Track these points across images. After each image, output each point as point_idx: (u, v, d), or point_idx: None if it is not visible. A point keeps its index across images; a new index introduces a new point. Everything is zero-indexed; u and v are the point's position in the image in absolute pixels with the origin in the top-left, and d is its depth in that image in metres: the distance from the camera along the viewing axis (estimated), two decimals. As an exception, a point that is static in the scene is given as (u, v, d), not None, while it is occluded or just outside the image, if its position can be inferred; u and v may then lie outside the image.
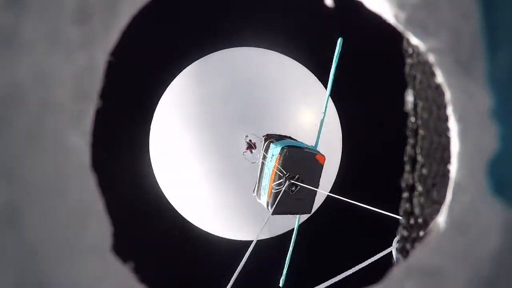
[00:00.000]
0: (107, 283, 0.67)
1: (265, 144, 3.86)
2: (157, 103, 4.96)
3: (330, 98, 4.74)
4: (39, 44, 0.58)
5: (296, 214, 4.00)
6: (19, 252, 0.57)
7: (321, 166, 3.71)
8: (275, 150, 3.68)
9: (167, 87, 4.95)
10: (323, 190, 3.90)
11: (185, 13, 5.09)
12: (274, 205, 3.65)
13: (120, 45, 0.74)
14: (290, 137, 3.96)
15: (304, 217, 4.58)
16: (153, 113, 4.96)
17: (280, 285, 4.31)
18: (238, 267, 2.35)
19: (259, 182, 3.89)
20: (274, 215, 3.72)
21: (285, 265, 3.95)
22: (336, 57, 3.97)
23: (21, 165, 0.57)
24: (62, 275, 0.60)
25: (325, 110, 4.16)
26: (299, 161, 3.61)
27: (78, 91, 0.64)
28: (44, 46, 0.58)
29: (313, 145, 3.99)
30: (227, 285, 2.32)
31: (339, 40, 3.93)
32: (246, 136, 4.23)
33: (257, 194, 3.96)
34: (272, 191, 3.62)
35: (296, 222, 4.25)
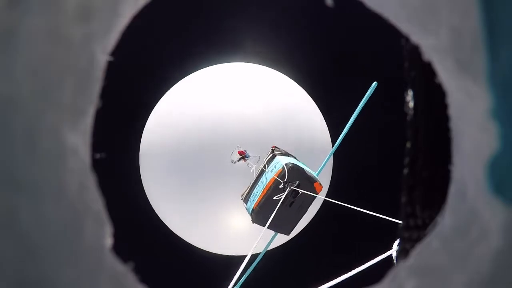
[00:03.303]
0: (107, 283, 0.67)
1: (270, 155, 3.87)
2: (157, 103, 4.96)
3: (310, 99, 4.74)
4: (39, 44, 0.58)
5: (275, 230, 3.94)
6: (18, 253, 0.57)
7: (316, 195, 3.71)
8: (278, 163, 3.69)
9: (166, 87, 4.95)
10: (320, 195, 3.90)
11: (185, 14, 5.09)
12: (255, 213, 3.66)
13: (120, 45, 0.74)
14: (295, 157, 3.95)
15: (282, 239, 4.52)
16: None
17: None
18: (233, 281, 2.34)
19: (251, 188, 3.88)
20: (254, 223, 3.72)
21: (240, 281, 3.68)
22: (364, 101, 3.80)
23: (20, 166, 0.57)
24: (61, 275, 0.60)
25: (340, 142, 4.07)
26: (298, 181, 3.63)
27: (78, 91, 0.64)
28: (44, 46, 0.58)
29: (316, 172, 3.97)
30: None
31: (373, 85, 3.78)
32: (237, 147, 4.23)
33: (244, 199, 3.94)
34: (274, 198, 3.61)
35: (269, 241, 4.10)
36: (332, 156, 4.85)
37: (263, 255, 3.96)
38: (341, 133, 4.12)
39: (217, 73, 4.96)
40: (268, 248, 4.25)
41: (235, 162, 4.15)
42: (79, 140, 0.65)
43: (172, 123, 4.74)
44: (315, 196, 3.72)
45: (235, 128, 4.55)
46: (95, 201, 0.68)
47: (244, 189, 3.98)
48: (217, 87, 4.81)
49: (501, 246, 0.62)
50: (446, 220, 0.72)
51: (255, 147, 4.23)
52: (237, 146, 4.16)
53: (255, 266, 3.75)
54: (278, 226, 3.84)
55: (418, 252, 0.75)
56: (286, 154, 3.94)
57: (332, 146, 4.63)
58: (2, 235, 0.56)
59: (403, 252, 0.90)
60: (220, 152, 4.40)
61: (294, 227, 3.92)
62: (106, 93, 0.74)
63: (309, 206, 3.78)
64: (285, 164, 3.63)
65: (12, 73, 0.56)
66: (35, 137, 0.58)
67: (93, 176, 0.68)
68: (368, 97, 3.75)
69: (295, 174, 3.64)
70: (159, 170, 4.81)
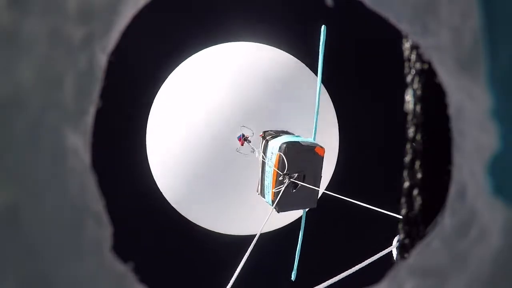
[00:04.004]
0: (107, 283, 0.67)
1: (263, 143, 3.87)
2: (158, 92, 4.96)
3: (323, 88, 4.75)
4: (40, 44, 0.58)
5: (301, 208, 4.00)
6: (19, 252, 0.57)
7: (321, 158, 3.72)
8: (274, 148, 3.69)
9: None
10: (322, 187, 3.91)
11: (185, 14, 5.09)
12: (276, 203, 3.68)
13: (120, 45, 0.74)
14: (287, 132, 3.96)
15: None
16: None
17: (292, 279, 4.29)
18: (241, 263, 2.35)
19: (261, 181, 3.90)
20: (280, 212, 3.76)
21: (296, 259, 3.93)
22: (322, 46, 3.99)
23: (21, 165, 0.57)
24: (62, 275, 0.60)
25: (318, 99, 4.13)
26: (299, 156, 3.62)
27: (78, 91, 0.64)
28: (45, 46, 0.58)
29: (311, 138, 3.99)
30: (231, 280, 2.33)
31: (323, 28, 3.94)
32: (243, 135, 4.23)
33: (261, 193, 3.97)
34: (274, 190, 3.63)
35: (303, 215, 4.25)
36: (337, 154, 4.86)
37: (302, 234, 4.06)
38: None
39: (206, 58, 4.96)
40: (268, 230, 4.33)
41: (253, 150, 4.13)
42: (79, 140, 0.65)
43: (176, 111, 4.75)
44: (322, 158, 3.72)
45: (236, 109, 4.54)
46: (95, 201, 0.68)
47: (256, 183, 4.01)
48: (208, 71, 4.82)
49: (501, 246, 0.62)
50: (446, 220, 0.72)
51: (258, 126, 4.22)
52: (237, 149, 4.18)
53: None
54: (303, 204, 3.88)
55: (418, 252, 0.75)
56: (277, 134, 3.93)
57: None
58: (3, 235, 0.56)
59: (403, 252, 0.90)
60: (224, 137, 4.40)
61: (317, 197, 3.92)
62: (106, 93, 0.74)
63: (321, 171, 3.77)
64: (279, 148, 3.62)
65: (13, 73, 0.56)
66: (36, 137, 0.58)
67: (93, 176, 0.68)
68: (324, 41, 3.90)
69: (293, 151, 3.63)
70: (167, 160, 4.82)
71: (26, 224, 0.57)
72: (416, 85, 0.89)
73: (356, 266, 2.41)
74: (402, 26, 0.75)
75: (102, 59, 0.69)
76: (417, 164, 0.89)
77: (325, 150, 3.81)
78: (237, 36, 5.05)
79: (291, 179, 3.61)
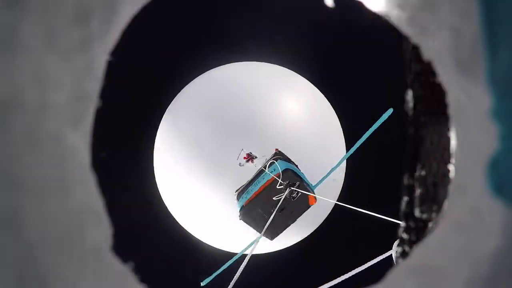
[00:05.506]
0: (107, 283, 0.67)
1: (272, 158, 3.95)
2: (158, 103, 4.96)
3: (321, 96, 4.72)
4: (39, 44, 0.58)
5: (259, 232, 4.01)
6: (19, 253, 0.57)
7: (308, 207, 3.80)
8: (278, 167, 3.78)
9: (166, 87, 4.95)
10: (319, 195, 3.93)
11: (186, 14, 5.09)
12: (244, 208, 3.75)
13: (120, 45, 0.74)
14: (296, 165, 4.04)
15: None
16: (153, 114, 4.96)
17: (202, 284, 4.21)
18: (232, 281, 2.34)
19: (246, 186, 3.97)
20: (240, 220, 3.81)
21: (221, 269, 3.76)
22: (378, 124, 3.85)
23: (21, 166, 0.57)
24: (62, 275, 0.60)
25: (341, 161, 4.14)
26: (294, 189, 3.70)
27: (78, 91, 0.64)
28: (44, 46, 0.58)
29: (313, 185, 4.03)
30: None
31: (388, 111, 3.73)
32: (242, 150, 4.28)
33: (238, 195, 4.02)
34: (274, 198, 3.68)
35: (258, 240, 4.18)
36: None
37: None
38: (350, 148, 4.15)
39: (223, 74, 4.96)
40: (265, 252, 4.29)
41: (242, 165, 4.20)
42: (79, 140, 0.65)
43: (185, 121, 4.76)
44: (308, 207, 3.81)
45: (244, 129, 4.55)
46: (95, 201, 0.68)
47: (240, 185, 4.05)
48: (224, 87, 4.82)
49: (501, 246, 0.62)
50: (446, 219, 0.72)
51: (264, 148, 4.26)
52: (242, 149, 4.22)
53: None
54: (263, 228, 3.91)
55: (418, 252, 0.75)
56: (287, 160, 4.01)
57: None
58: (3, 235, 0.56)
59: (403, 255, 0.90)
60: (228, 149, 4.41)
61: (278, 234, 3.99)
62: (106, 93, 0.74)
63: (298, 217, 3.87)
64: (284, 170, 3.71)
65: (13, 73, 0.56)
66: (35, 137, 0.58)
67: (93, 176, 0.68)
68: (382, 122, 3.75)
69: (292, 180, 3.72)
70: (171, 167, 4.83)
71: (25, 224, 0.57)
72: (416, 85, 0.89)
73: (356, 269, 2.41)
74: (402, 27, 0.75)
75: (102, 59, 0.69)
76: (417, 164, 0.89)
77: (316, 203, 3.90)
78: (246, 54, 5.03)
79: (292, 187, 3.67)
